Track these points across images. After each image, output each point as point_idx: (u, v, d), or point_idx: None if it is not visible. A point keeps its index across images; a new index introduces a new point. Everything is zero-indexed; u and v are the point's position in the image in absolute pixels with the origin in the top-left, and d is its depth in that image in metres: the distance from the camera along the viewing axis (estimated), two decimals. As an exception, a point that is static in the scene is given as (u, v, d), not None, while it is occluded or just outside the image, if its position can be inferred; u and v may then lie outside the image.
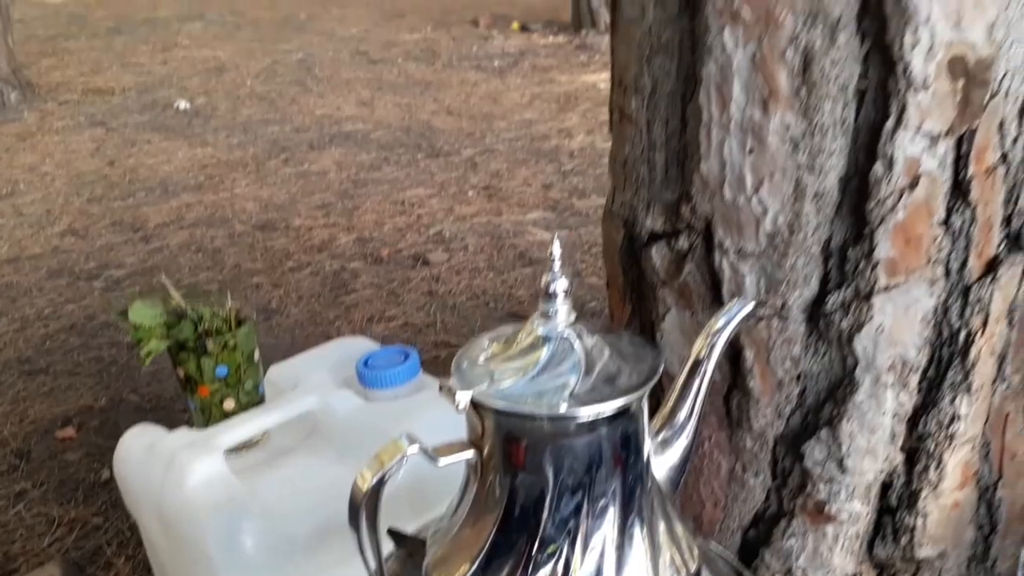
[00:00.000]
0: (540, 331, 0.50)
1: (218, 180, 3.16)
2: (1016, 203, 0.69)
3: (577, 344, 0.49)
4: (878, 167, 0.65)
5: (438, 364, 1.75)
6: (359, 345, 1.08)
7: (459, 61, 5.11)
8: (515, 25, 5.87)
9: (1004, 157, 0.67)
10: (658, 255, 0.78)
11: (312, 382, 0.98)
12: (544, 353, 0.49)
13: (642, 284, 0.83)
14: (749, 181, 0.69)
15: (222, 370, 0.96)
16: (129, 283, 2.31)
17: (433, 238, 2.54)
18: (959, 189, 0.66)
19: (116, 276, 2.37)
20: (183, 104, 4.24)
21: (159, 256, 2.48)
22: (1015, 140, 0.67)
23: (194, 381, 0.97)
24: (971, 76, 0.62)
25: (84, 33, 5.99)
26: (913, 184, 0.65)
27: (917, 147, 0.64)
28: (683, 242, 0.75)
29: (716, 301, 0.75)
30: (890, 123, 0.63)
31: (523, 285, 2.18)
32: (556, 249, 0.50)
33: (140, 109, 4.21)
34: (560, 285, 0.50)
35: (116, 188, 3.11)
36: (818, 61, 0.63)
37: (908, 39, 0.60)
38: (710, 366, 0.52)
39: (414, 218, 2.72)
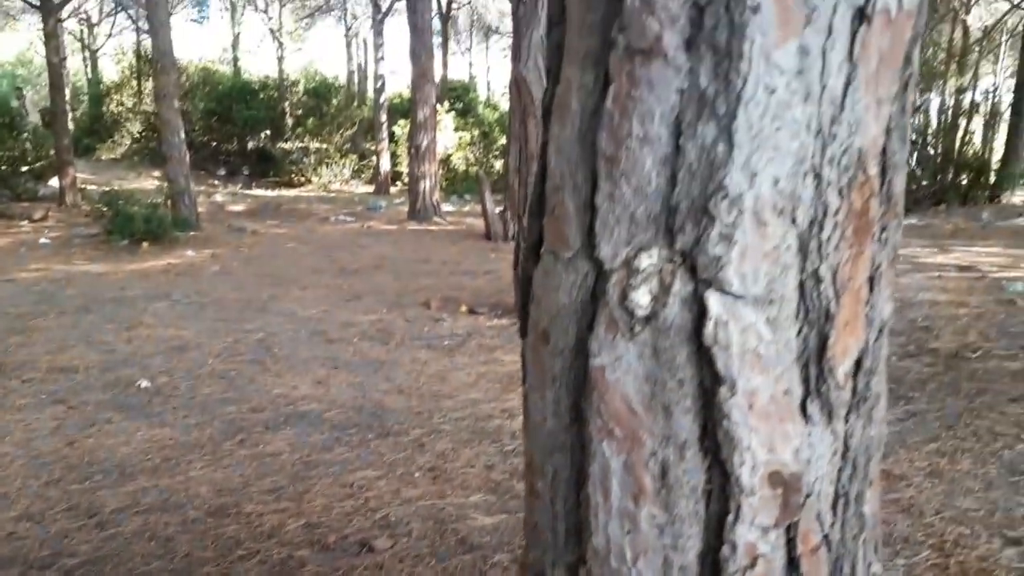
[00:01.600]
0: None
1: (174, 463, 3.30)
2: (840, 572, 0.94)
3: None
4: (725, 550, 0.88)
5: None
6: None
7: (411, 341, 5.47)
8: (464, 308, 6.36)
9: (826, 538, 0.92)
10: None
11: None
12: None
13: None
14: (628, 555, 0.91)
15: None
16: (82, 573, 2.38)
17: (379, 522, 2.68)
18: (792, 565, 0.90)
19: (69, 566, 2.44)
20: (144, 383, 4.44)
21: (113, 544, 2.57)
22: (832, 524, 0.92)
23: None
24: (787, 485, 0.88)
25: (53, 311, 6.29)
26: (752, 564, 0.89)
27: (753, 535, 0.88)
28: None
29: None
30: (730, 518, 0.87)
31: (464, 573, 2.31)
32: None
33: (102, 387, 4.39)
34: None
35: (74, 471, 3.23)
36: (672, 470, 0.88)
37: (736, 459, 0.86)
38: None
39: (362, 501, 2.87)
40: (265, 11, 29.34)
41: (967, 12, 24.18)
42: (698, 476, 0.86)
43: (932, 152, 17.38)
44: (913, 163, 16.41)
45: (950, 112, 19.07)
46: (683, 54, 0.76)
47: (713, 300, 0.80)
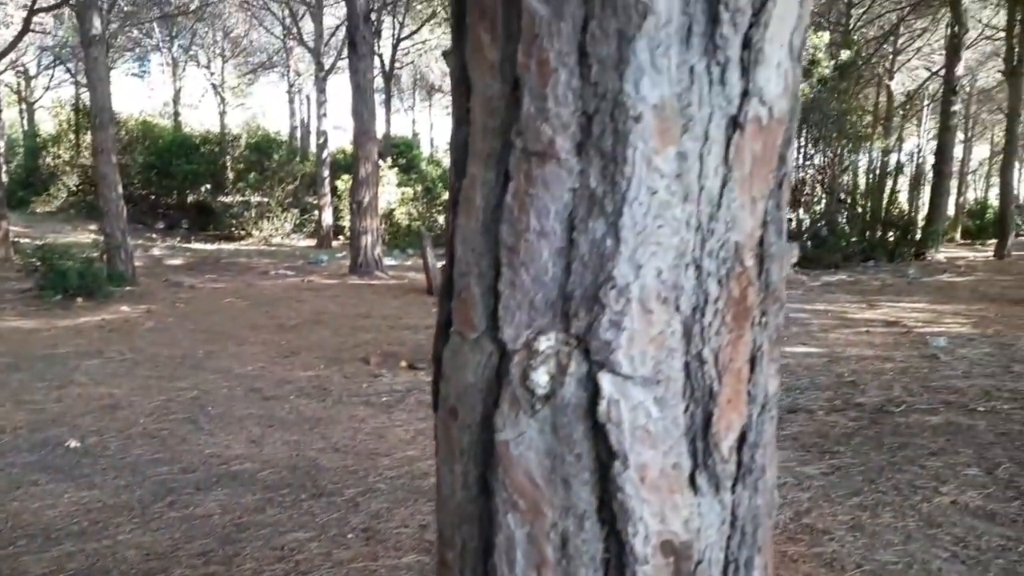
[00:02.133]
0: None
1: (102, 526, 3.22)
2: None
3: None
4: (624, 616, 0.93)
5: None
6: None
7: (349, 398, 5.45)
8: (403, 363, 6.36)
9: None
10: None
11: None
12: None
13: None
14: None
15: None
16: (-3, 645, 2.31)
17: (309, 587, 2.66)
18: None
19: (-16, 638, 2.37)
20: (73, 443, 4.34)
21: (32, 613, 2.50)
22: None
23: None
24: (679, 553, 0.94)
25: (-21, 370, 6.12)
26: (649, 627, 0.94)
27: (650, 604, 0.93)
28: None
29: None
30: (628, 585, 0.93)
31: (392, 636, 2.30)
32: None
33: (30, 448, 4.27)
34: None
35: (-5, 537, 3.13)
36: (572, 540, 0.93)
37: (630, 529, 0.92)
38: None
39: (292, 564, 2.84)
40: (207, 66, 29.33)
41: (891, 78, 25.42)
42: (596, 546, 0.92)
43: (860, 210, 18.07)
44: (843, 221, 17.05)
45: (877, 172, 19.91)
46: (574, 157, 0.84)
47: (605, 381, 0.87)
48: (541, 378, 0.88)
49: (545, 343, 0.88)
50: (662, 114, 0.81)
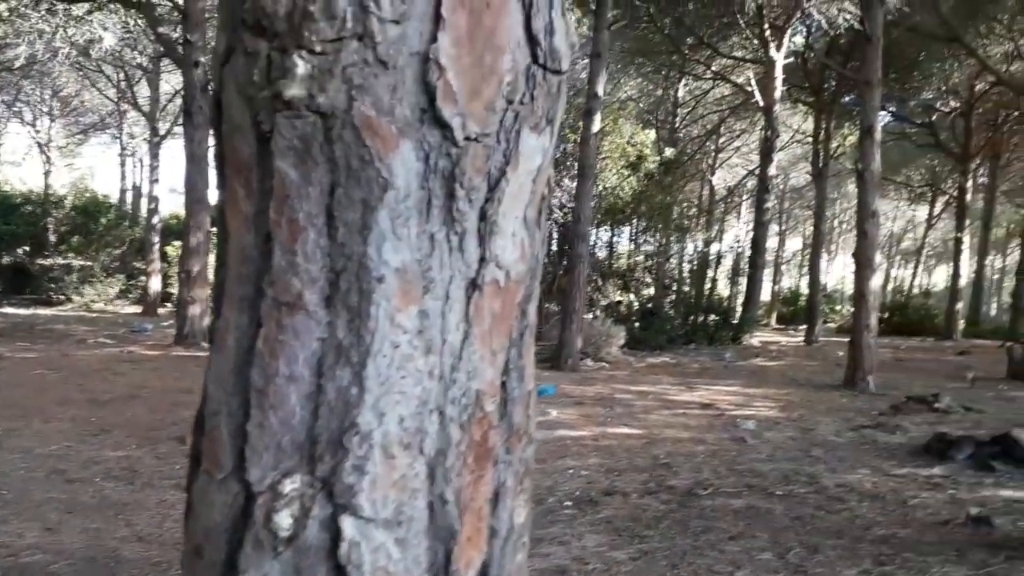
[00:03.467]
0: None
1: None
2: None
3: None
4: None
5: None
6: None
7: (160, 480, 5.15)
8: (221, 445, 6.09)
9: None
10: None
11: None
12: None
13: None
14: None
15: None
16: None
17: None
18: None
19: None
20: None
21: None
22: None
23: None
24: None
25: None
26: None
27: None
28: None
29: None
30: None
31: None
32: None
33: None
34: None
35: None
36: None
37: None
38: None
39: (70, 677, 2.63)
40: (32, 124, 27.61)
41: (713, 174, 27.51)
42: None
43: (684, 296, 19.19)
44: (669, 306, 18.02)
45: (700, 261, 21.27)
46: (323, 310, 0.89)
47: (347, 523, 0.90)
48: (284, 520, 0.90)
49: (290, 485, 0.90)
50: (404, 276, 0.88)
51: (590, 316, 13.82)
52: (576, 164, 12.25)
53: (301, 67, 0.85)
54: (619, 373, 11.88)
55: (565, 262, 13.16)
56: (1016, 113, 20.65)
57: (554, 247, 15.87)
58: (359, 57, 0.85)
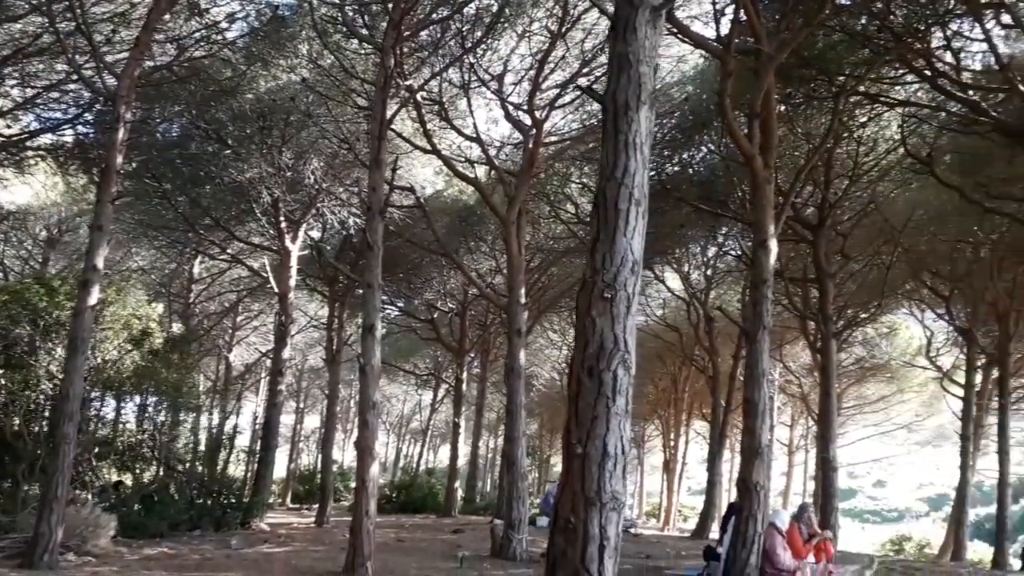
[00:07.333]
0: None
1: None
2: None
3: None
4: None
5: None
6: None
7: None
8: None
9: None
10: None
11: None
12: None
13: None
14: None
15: None
16: None
17: None
18: None
19: None
20: None
21: None
22: None
23: None
24: None
25: None
26: None
27: None
28: None
29: None
30: None
31: None
32: None
33: None
34: None
35: None
36: None
37: None
38: None
39: None
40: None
41: (230, 351, 27.17)
42: None
43: (192, 476, 18.15)
44: (175, 488, 16.86)
45: (213, 440, 20.46)
46: None
47: None
48: None
49: None
50: None
51: (78, 503, 12.24)
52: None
53: None
54: (106, 569, 10.57)
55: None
56: (501, 317, 24.16)
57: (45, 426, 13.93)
58: None
